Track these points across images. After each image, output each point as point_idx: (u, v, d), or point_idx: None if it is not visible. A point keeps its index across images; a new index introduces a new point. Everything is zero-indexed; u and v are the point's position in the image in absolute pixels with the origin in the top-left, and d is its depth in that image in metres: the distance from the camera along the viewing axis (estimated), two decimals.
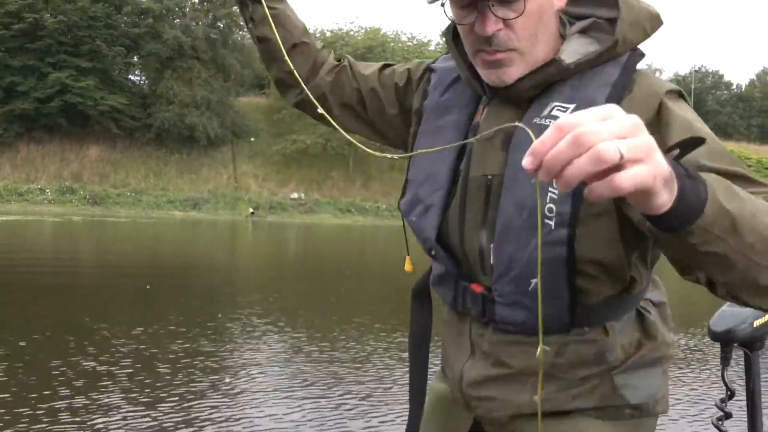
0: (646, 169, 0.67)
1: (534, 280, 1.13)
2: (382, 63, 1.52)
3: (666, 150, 0.75)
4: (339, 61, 1.53)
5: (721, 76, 74.62)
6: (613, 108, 0.69)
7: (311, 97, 1.45)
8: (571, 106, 1.13)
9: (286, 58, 1.45)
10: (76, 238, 19.53)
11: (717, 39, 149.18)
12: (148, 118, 41.23)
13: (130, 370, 5.49)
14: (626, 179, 0.65)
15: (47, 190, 35.98)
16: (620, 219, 1.11)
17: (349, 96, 1.47)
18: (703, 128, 1.10)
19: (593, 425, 1.22)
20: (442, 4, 1.18)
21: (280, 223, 33.93)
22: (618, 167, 0.65)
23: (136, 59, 43.48)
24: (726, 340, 1.27)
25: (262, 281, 12.84)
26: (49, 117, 38.81)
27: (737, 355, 1.24)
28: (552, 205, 1.09)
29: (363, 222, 37.90)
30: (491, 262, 1.18)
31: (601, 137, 0.65)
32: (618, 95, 1.11)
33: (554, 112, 1.14)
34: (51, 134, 39.61)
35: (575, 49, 1.17)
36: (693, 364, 5.61)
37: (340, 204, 40.88)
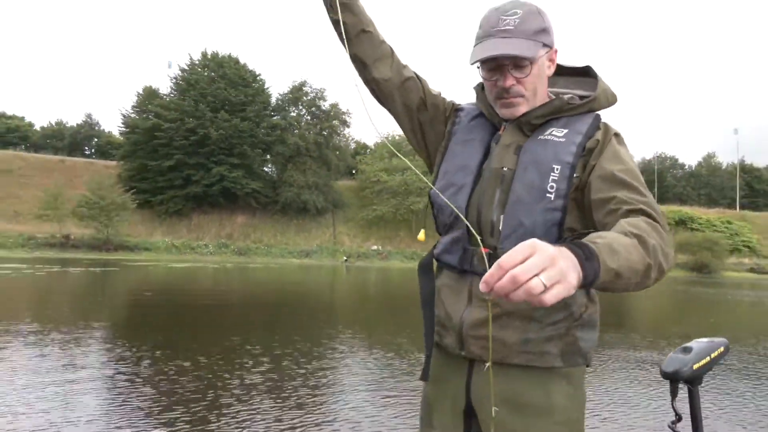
0: (563, 287, 0.72)
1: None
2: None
3: (571, 239, 0.88)
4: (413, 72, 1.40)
5: (677, 159, 72.35)
6: (536, 245, 0.72)
7: (370, 85, 1.35)
8: (566, 131, 1.19)
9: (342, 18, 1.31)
10: (229, 279, 19.81)
11: (673, 130, 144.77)
12: (276, 196, 41.93)
13: (275, 378, 5.46)
14: (550, 298, 0.71)
15: (210, 246, 36.51)
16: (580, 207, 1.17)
17: (412, 100, 1.36)
18: (627, 158, 1.16)
19: (559, 372, 1.18)
20: (478, 67, 1.23)
21: (365, 267, 33.66)
22: (544, 290, 0.70)
23: (269, 157, 44.22)
24: (674, 378, 1.25)
25: (356, 309, 12.73)
26: (212, 197, 39.87)
27: (682, 389, 1.23)
28: (553, 184, 1.14)
29: None
30: (500, 227, 1.17)
31: (529, 275, 0.69)
32: (594, 130, 1.19)
33: (553, 133, 1.19)
34: (213, 208, 40.61)
35: (572, 92, 1.28)
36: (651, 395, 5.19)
37: (406, 253, 40.48)
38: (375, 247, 41.47)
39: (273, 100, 45.29)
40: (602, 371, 5.96)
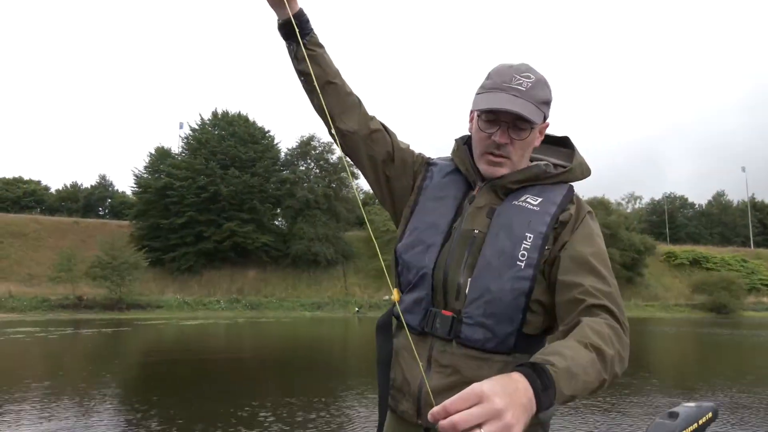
0: None
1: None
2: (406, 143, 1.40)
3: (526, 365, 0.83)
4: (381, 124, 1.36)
5: (686, 199, 71.80)
6: (484, 394, 0.72)
7: (335, 138, 1.32)
8: (540, 199, 1.17)
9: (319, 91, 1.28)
10: (240, 334, 19.67)
11: (680, 171, 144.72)
12: (287, 249, 41.86)
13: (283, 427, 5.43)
14: None
15: (221, 301, 36.31)
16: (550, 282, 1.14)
17: (379, 153, 1.31)
18: (598, 240, 1.15)
19: None
20: (479, 116, 1.21)
21: (377, 317, 33.22)
22: None
23: (279, 210, 44.37)
24: None
25: (370, 360, 12.58)
26: (223, 252, 39.88)
27: None
28: (525, 252, 1.11)
29: None
30: (466, 291, 1.13)
31: (468, 425, 0.69)
32: (567, 202, 1.17)
33: (528, 200, 1.18)
34: (224, 263, 40.53)
35: (549, 161, 1.27)
36: None
37: None
38: (387, 297, 40.79)
39: (282, 155, 45.97)
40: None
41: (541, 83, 1.20)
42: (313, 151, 45.79)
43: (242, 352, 14.07)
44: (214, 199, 39.60)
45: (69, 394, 6.98)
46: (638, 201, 74.62)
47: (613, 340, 0.97)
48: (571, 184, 1.24)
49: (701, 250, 54.13)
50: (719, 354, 14.43)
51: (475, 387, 0.73)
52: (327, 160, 45.66)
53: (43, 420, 5.54)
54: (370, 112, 1.36)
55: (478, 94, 1.21)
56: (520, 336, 1.13)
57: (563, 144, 1.32)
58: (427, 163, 1.35)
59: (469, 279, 1.14)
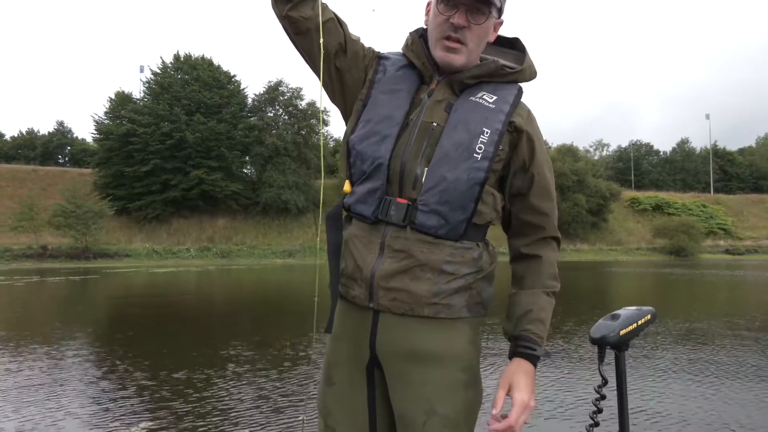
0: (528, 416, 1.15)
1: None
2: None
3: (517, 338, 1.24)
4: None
5: (652, 146, 73.46)
6: (531, 405, 1.15)
7: (286, 24, 1.26)
8: (495, 97, 1.22)
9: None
10: (211, 281, 19.75)
11: (647, 118, 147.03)
12: (257, 197, 41.58)
13: (261, 365, 5.58)
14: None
15: (191, 249, 36.21)
16: (503, 181, 1.27)
17: (331, 43, 1.26)
18: (548, 165, 1.29)
19: (464, 321, 1.22)
20: (437, 1, 1.21)
21: None
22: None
23: (247, 158, 43.79)
24: (601, 343, 1.28)
25: None
26: (191, 200, 39.34)
27: (609, 355, 1.28)
28: (482, 145, 1.18)
29: None
30: (422, 180, 1.18)
31: (522, 426, 1.13)
32: (518, 101, 1.24)
33: (484, 97, 1.22)
34: (193, 212, 40.09)
35: (501, 60, 1.29)
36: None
37: None
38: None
39: (249, 101, 44.83)
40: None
41: None
42: (281, 97, 44.75)
43: (214, 297, 14.18)
44: (180, 146, 38.66)
45: (39, 342, 6.99)
46: (606, 148, 76.14)
47: (555, 264, 1.30)
48: (521, 86, 1.28)
49: (664, 195, 55.88)
50: (672, 289, 15.24)
51: (525, 402, 1.14)
52: (296, 106, 44.75)
53: (12, 371, 5.55)
54: None
55: None
56: (469, 225, 1.20)
57: (513, 46, 1.34)
58: (378, 56, 1.33)
59: (426, 168, 1.18)
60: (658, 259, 40.98)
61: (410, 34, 1.33)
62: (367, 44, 1.35)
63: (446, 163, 1.18)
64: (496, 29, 1.28)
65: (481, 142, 1.18)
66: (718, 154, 69.57)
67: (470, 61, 1.24)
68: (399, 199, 1.20)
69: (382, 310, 1.20)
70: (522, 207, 1.28)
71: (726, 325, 8.13)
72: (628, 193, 54.73)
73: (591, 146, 74.79)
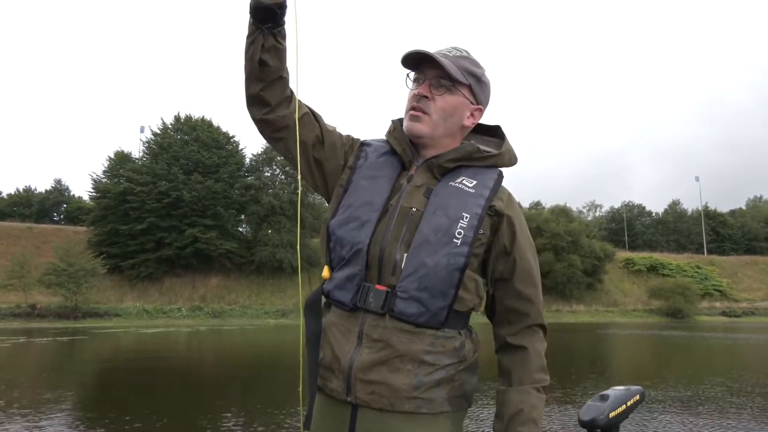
0: None
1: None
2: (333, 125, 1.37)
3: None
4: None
5: (644, 207, 74.55)
6: None
7: (261, 124, 1.28)
8: (475, 181, 1.24)
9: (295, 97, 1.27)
10: (202, 342, 19.34)
11: (638, 180, 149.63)
12: (251, 256, 41.28)
13: None
14: None
15: (183, 309, 35.60)
16: (485, 266, 1.25)
17: (308, 136, 1.28)
18: (532, 251, 1.28)
19: (445, 416, 1.18)
20: (408, 76, 1.28)
21: None
22: None
23: (243, 217, 43.80)
24: (591, 426, 1.25)
25: None
26: (185, 259, 39.07)
27: None
28: (461, 230, 1.17)
29: None
30: (402, 266, 1.16)
31: None
32: (497, 187, 1.25)
33: (464, 182, 1.24)
34: (186, 270, 39.72)
35: (480, 146, 1.31)
36: None
37: None
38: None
39: (247, 160, 45.42)
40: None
41: (470, 60, 1.27)
42: (278, 157, 45.32)
43: (204, 359, 13.85)
44: (176, 204, 38.78)
45: (22, 405, 6.78)
46: (598, 209, 77.05)
47: (543, 355, 1.26)
48: (501, 170, 1.31)
49: (658, 256, 56.01)
50: (670, 353, 15.01)
51: None
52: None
53: None
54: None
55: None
56: (450, 312, 1.18)
57: (494, 133, 1.39)
58: (361, 143, 1.36)
59: (406, 254, 1.17)
60: (654, 321, 40.57)
61: (392, 121, 1.36)
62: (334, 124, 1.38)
63: (425, 249, 1.16)
64: (474, 115, 1.30)
65: (461, 227, 1.17)
66: (709, 215, 70.34)
67: (435, 132, 1.26)
68: (378, 286, 1.17)
69: (361, 405, 1.16)
70: (505, 293, 1.26)
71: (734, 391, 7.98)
72: (623, 254, 54.86)
73: (584, 207, 75.83)
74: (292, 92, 1.28)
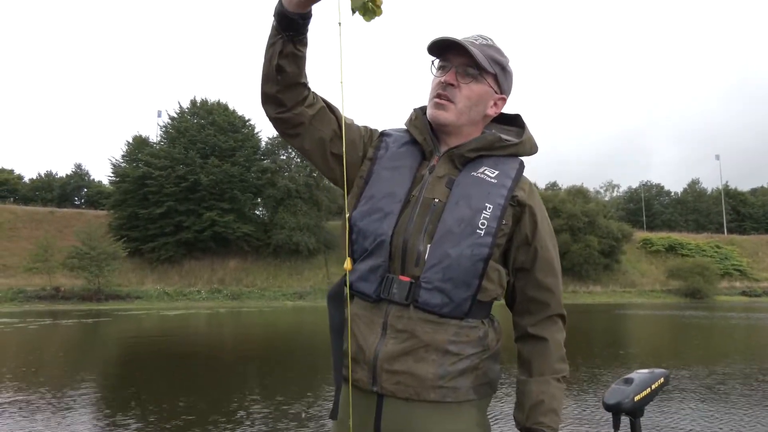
0: None
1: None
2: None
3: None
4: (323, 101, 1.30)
5: (662, 187, 73.15)
6: None
7: (277, 122, 1.26)
8: (497, 171, 1.23)
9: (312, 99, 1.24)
10: (221, 323, 19.60)
11: (657, 159, 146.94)
12: (268, 239, 41.60)
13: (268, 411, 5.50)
14: None
15: (202, 291, 36.14)
16: (506, 256, 1.26)
17: (325, 132, 1.26)
18: (553, 241, 1.28)
19: (470, 404, 1.20)
20: (432, 63, 1.26)
21: None
22: None
23: (259, 200, 44.04)
24: (616, 410, 1.26)
25: None
26: (203, 242, 39.51)
27: (624, 422, 1.26)
28: (485, 221, 1.17)
29: None
30: (425, 257, 1.16)
31: None
32: (519, 176, 1.25)
33: (486, 172, 1.23)
34: (204, 253, 40.19)
35: (502, 135, 1.30)
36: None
37: None
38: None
39: (263, 144, 45.50)
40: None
41: (496, 48, 1.26)
42: None
43: (224, 339, 14.06)
44: (194, 188, 39.10)
45: (48, 386, 6.97)
46: (616, 189, 76.00)
47: (562, 344, 1.28)
48: (522, 159, 1.31)
49: (676, 236, 55.27)
50: (693, 333, 14.90)
51: None
52: None
53: (19, 413, 5.53)
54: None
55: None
56: (474, 302, 1.18)
57: (514, 122, 1.38)
58: (381, 133, 1.35)
59: (429, 245, 1.17)
60: (673, 301, 40.21)
61: (414, 110, 1.34)
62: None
63: (449, 240, 1.16)
64: (497, 104, 1.29)
65: (484, 218, 1.17)
66: (729, 194, 69.06)
67: (459, 121, 1.24)
68: (401, 277, 1.17)
69: (387, 395, 1.16)
70: (526, 282, 1.27)
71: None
72: (641, 234, 54.22)
73: (601, 187, 74.77)
74: (309, 92, 1.25)
